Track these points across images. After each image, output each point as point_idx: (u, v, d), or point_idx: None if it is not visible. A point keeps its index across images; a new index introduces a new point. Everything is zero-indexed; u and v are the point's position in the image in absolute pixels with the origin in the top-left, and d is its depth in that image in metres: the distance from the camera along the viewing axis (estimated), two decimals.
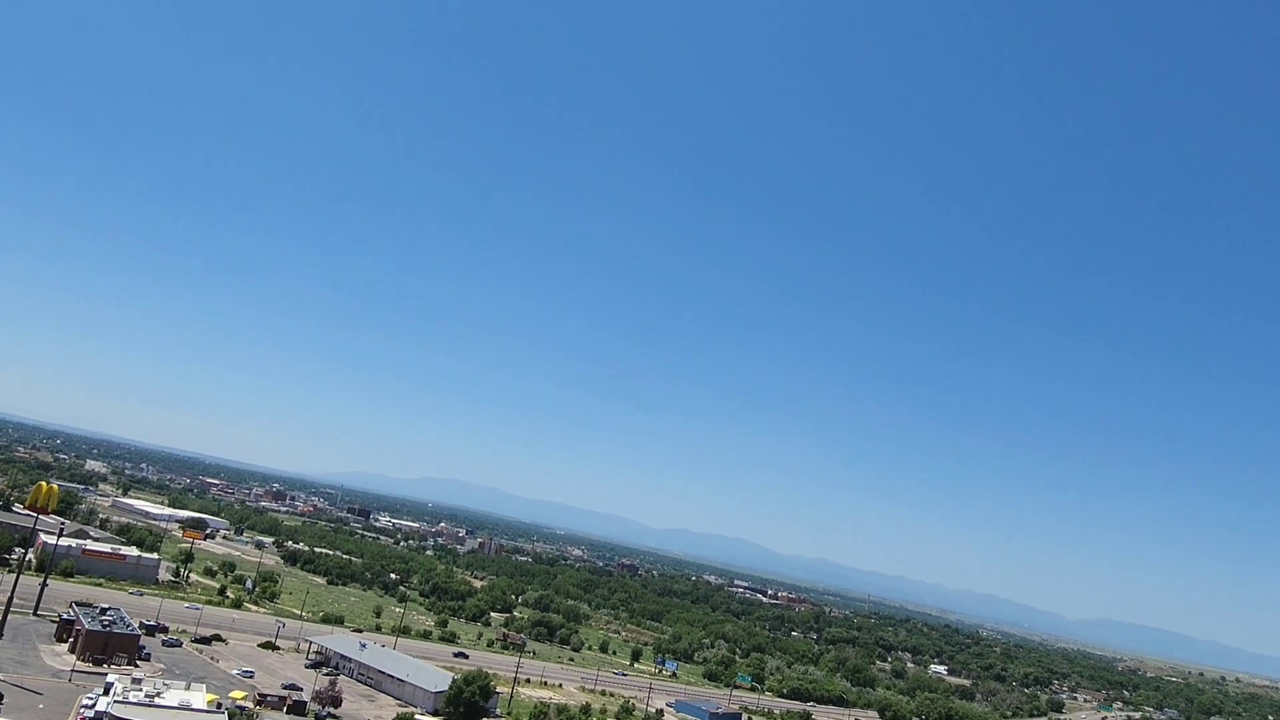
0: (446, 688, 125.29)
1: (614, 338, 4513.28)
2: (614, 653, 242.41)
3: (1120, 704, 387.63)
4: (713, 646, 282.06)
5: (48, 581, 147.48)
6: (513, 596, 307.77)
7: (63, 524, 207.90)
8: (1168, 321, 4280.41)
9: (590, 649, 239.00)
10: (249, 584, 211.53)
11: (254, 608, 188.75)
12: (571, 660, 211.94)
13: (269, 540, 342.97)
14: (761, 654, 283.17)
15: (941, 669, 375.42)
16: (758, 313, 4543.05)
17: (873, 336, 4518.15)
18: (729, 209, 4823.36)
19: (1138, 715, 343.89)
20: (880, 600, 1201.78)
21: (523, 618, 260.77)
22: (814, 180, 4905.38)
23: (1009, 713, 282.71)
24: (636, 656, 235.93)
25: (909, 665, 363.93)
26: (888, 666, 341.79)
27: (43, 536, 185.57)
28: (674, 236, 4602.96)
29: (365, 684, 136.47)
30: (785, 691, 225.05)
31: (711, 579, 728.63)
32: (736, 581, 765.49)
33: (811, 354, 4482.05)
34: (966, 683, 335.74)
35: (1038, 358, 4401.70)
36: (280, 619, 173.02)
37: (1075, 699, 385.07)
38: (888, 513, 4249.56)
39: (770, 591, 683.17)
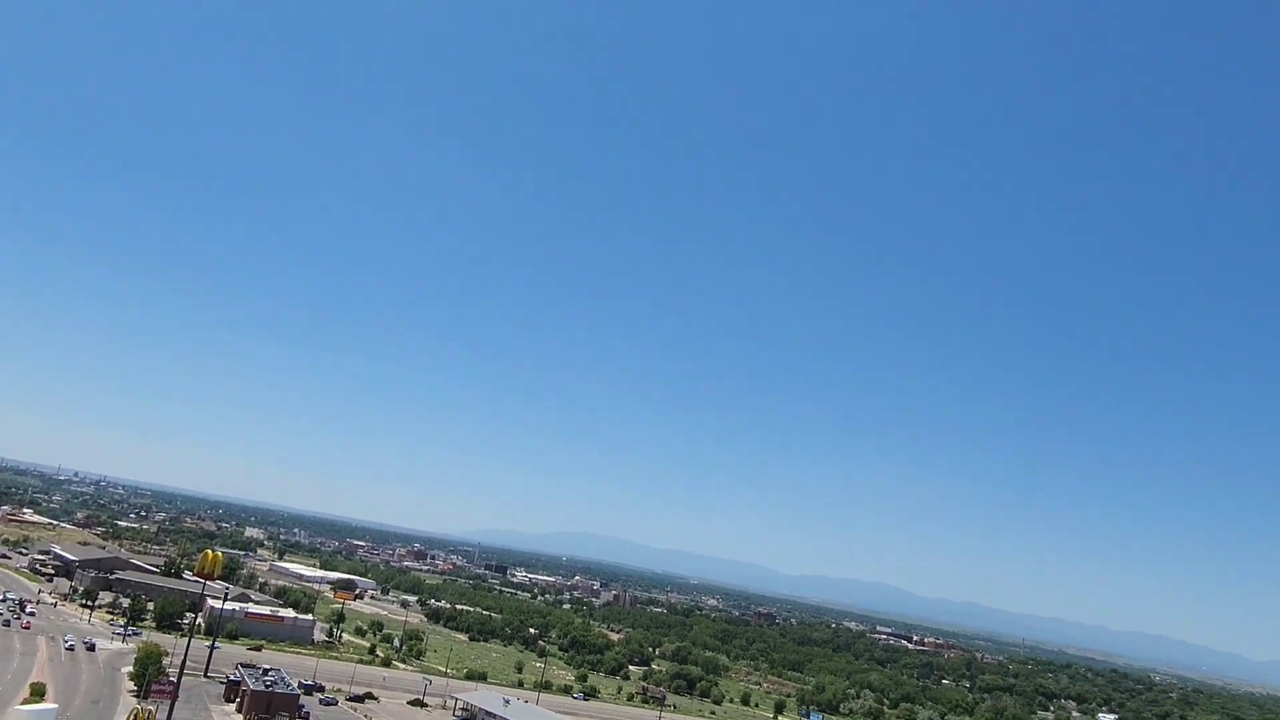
0: None
1: (735, 380, 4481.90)
2: (756, 705, 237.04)
3: None
4: (858, 697, 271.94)
5: (216, 644, 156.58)
6: (650, 649, 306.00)
7: (227, 589, 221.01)
8: None
9: (731, 701, 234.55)
10: (396, 642, 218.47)
11: (402, 666, 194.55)
12: (713, 714, 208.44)
13: (413, 599, 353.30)
14: (911, 704, 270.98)
15: (1110, 718, 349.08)
16: (874, 348, 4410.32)
17: (1012, 355, 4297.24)
18: (854, 242, 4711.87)
19: None
20: (1036, 644, 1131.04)
21: (661, 670, 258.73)
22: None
23: None
24: (780, 709, 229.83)
25: (1074, 714, 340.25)
26: (1050, 716, 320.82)
27: (210, 601, 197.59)
28: (799, 271, 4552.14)
29: None
30: None
31: (852, 625, 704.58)
32: (879, 628, 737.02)
33: (940, 383, 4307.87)
34: None
35: (1197, 370, 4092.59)
36: (427, 676, 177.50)
37: None
38: (1040, 551, 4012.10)
39: (915, 637, 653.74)
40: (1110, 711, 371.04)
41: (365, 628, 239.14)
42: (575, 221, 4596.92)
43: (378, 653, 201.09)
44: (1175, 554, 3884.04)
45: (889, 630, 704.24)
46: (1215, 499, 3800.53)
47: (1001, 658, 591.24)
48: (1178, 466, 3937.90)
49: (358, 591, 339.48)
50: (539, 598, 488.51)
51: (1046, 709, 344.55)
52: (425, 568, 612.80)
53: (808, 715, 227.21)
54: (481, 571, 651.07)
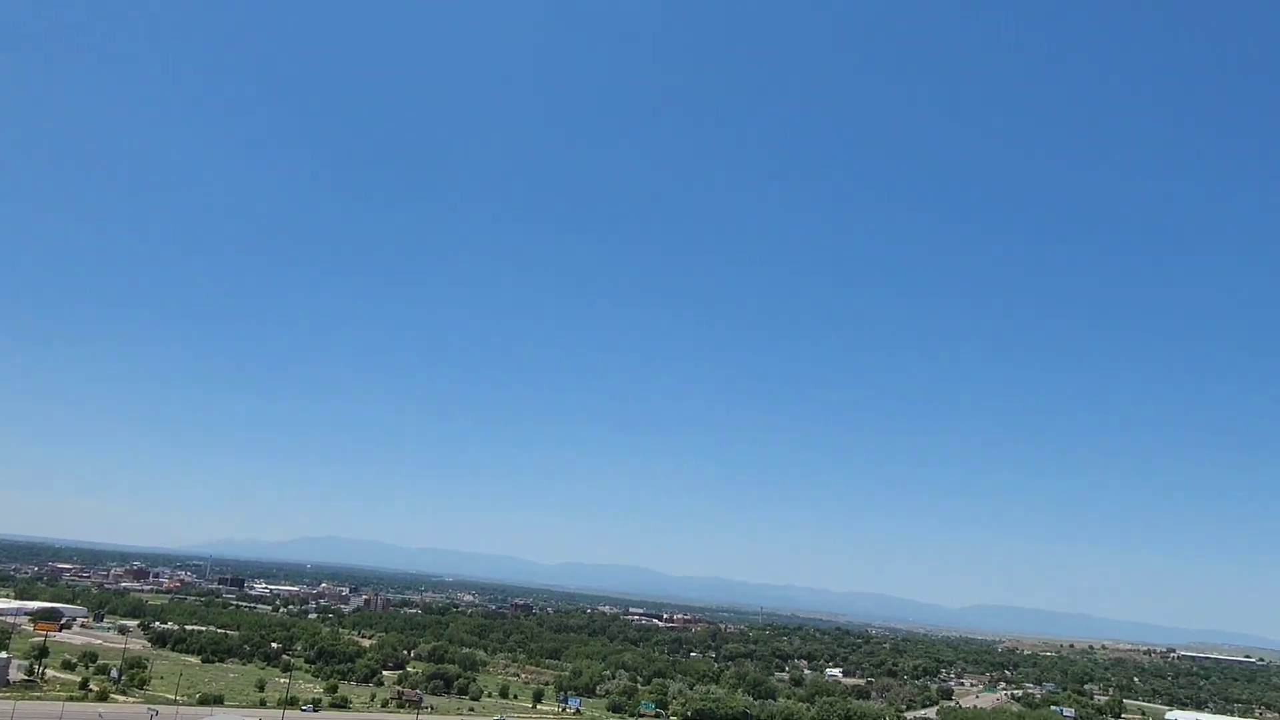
0: None
1: (476, 372, 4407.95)
2: (515, 696, 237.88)
3: (1004, 684, 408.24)
4: (614, 678, 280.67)
5: None
6: (405, 652, 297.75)
7: None
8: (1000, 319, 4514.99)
9: (490, 696, 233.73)
10: (114, 673, 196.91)
11: (121, 699, 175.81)
12: (472, 710, 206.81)
13: (133, 623, 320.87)
14: (663, 679, 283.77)
15: (837, 672, 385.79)
16: (606, 330, 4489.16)
17: (722, 338, 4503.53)
18: (553, 225, 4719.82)
19: (1019, 693, 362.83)
20: (773, 611, 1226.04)
21: (417, 672, 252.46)
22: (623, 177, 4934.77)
23: (904, 706, 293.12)
24: (539, 698, 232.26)
25: (806, 672, 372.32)
26: (786, 676, 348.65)
27: None
28: (523, 261, 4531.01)
29: None
30: (690, 714, 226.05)
31: (607, 609, 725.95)
32: (631, 609, 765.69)
33: (667, 363, 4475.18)
34: (861, 682, 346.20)
35: (885, 346, 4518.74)
36: (153, 707, 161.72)
37: (963, 684, 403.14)
38: (768, 522, 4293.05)
39: (665, 615, 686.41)
40: (836, 666, 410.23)
41: (75, 660, 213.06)
42: (306, 202, 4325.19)
43: (91, 687, 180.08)
44: (879, 517, 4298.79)
45: (641, 611, 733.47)
46: (902, 468, 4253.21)
47: (743, 626, 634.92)
48: (865, 436, 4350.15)
49: (64, 621, 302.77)
50: (282, 610, 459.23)
51: (783, 669, 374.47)
52: (148, 587, 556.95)
53: (565, 700, 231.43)
54: (215, 586, 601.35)
